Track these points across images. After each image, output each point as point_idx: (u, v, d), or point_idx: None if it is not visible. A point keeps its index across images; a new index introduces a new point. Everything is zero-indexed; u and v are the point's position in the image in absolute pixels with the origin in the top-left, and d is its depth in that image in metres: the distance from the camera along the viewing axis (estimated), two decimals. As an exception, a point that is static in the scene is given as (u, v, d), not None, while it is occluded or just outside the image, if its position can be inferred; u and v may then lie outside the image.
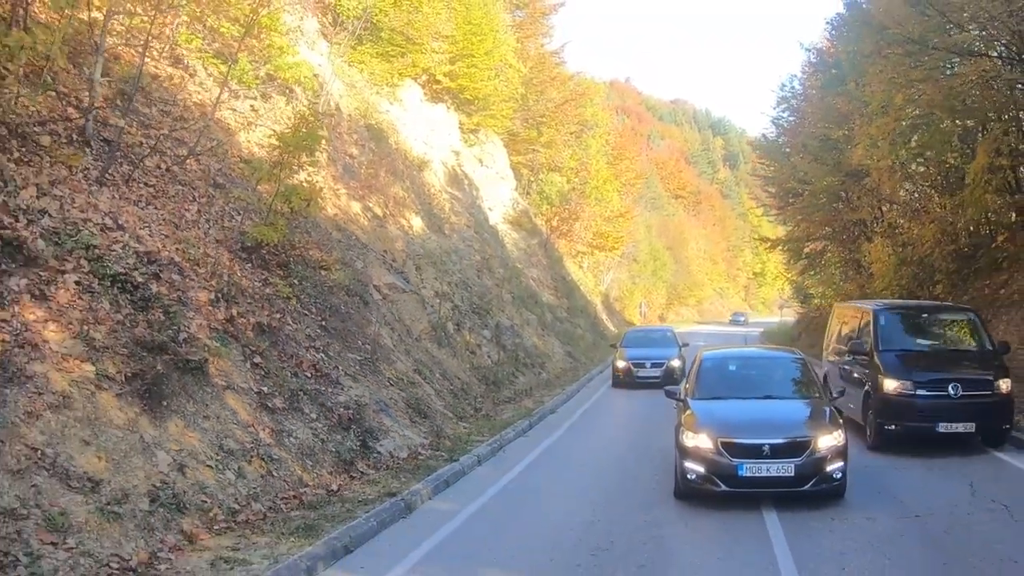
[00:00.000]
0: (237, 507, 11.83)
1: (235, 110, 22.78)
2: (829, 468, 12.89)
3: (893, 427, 17.56)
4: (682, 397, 15.21)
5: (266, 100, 24.84)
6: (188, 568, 9.65)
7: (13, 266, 11.58)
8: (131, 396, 11.63)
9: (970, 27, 24.33)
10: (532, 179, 64.61)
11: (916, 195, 37.76)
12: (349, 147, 29.29)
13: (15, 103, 13.62)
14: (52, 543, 9.01)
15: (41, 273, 11.89)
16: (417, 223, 32.03)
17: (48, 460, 9.80)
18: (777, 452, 12.83)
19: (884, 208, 40.26)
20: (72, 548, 9.12)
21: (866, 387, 18.67)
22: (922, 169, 35.42)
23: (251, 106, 23.77)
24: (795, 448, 12.85)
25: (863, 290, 39.39)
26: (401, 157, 34.75)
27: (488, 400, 26.30)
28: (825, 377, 21.95)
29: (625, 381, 32.96)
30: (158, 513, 10.52)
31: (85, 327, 11.78)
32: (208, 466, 12.00)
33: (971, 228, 30.48)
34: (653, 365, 32.78)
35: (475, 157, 50.33)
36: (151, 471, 10.98)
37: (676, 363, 32.88)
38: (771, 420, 13.80)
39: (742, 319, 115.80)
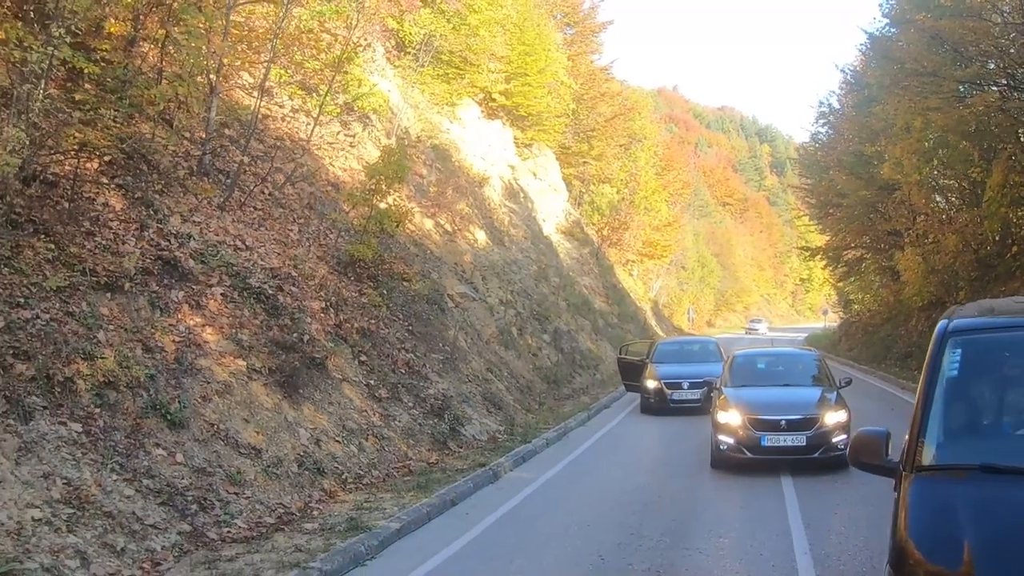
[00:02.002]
0: (361, 472, 14.78)
1: (322, 137, 25.36)
2: (834, 439, 15.80)
3: None
4: (718, 386, 18.16)
5: (345, 127, 27.43)
6: (336, 512, 12.53)
7: (172, 281, 14.32)
8: (274, 386, 14.55)
9: (986, 61, 26.71)
10: (583, 191, 66.52)
11: (944, 206, 39.82)
12: (418, 167, 31.32)
13: (152, 141, 16.40)
14: (235, 493, 11.86)
15: (194, 287, 14.67)
16: (481, 237, 34.24)
17: (222, 432, 12.67)
18: (792, 426, 15.76)
19: (919, 218, 42.21)
20: (249, 497, 11.99)
21: None
22: (953, 183, 37.62)
23: (335, 134, 26.31)
24: (806, 423, 15.79)
25: (897, 297, 41.51)
26: (464, 174, 36.94)
27: (550, 396, 29.19)
28: None
29: (657, 405, 26.55)
30: (304, 475, 13.45)
31: (234, 330, 14.66)
32: (337, 441, 14.93)
33: (995, 238, 32.68)
34: (692, 385, 26.21)
35: (529, 171, 52.02)
36: (295, 443, 13.89)
37: None
38: (788, 401, 16.79)
39: (760, 327, 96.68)
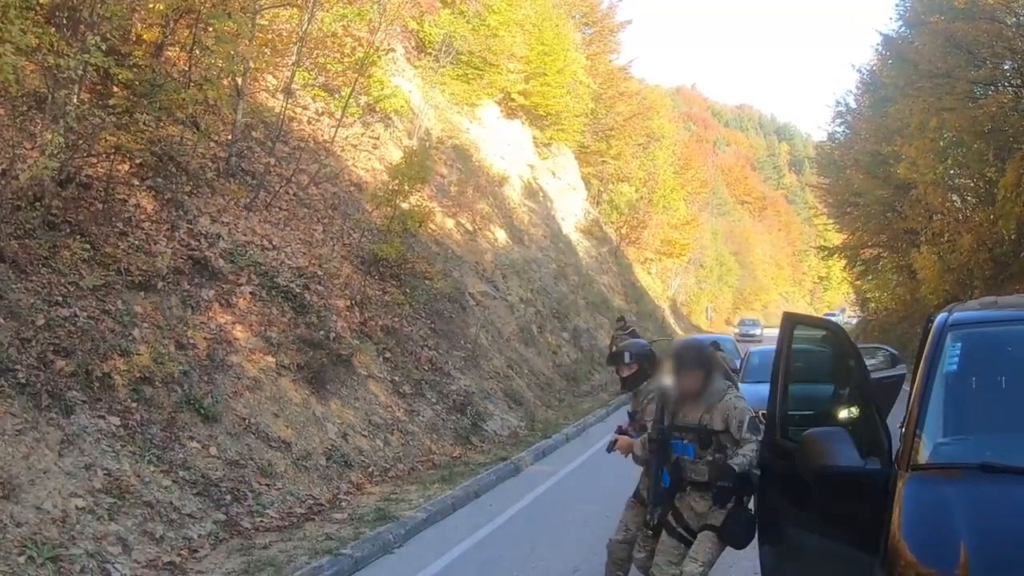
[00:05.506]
0: (387, 466, 15.19)
1: (345, 139, 25.67)
2: None
3: None
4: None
5: (368, 128, 27.75)
6: (364, 503, 12.95)
7: (203, 280, 14.73)
8: (302, 381, 14.96)
9: (1000, 62, 27.02)
10: (602, 189, 66.32)
11: (960, 205, 39.97)
12: (439, 167, 31.55)
13: (181, 144, 16.80)
14: (266, 484, 12.26)
15: (224, 285, 15.06)
16: (501, 236, 34.47)
17: (253, 426, 13.08)
18: (807, 421, 15.96)
19: (935, 217, 42.32)
20: (280, 488, 12.40)
21: None
22: (968, 182, 37.81)
23: (357, 135, 26.60)
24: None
25: (914, 295, 41.68)
26: (484, 174, 37.06)
27: (569, 393, 29.55)
28: None
29: None
30: (332, 468, 13.87)
31: (263, 328, 15.07)
32: (363, 435, 15.35)
33: (1010, 236, 32.86)
34: None
35: (548, 170, 51.84)
36: (323, 437, 14.31)
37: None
38: None
39: (755, 330, 79.71)
